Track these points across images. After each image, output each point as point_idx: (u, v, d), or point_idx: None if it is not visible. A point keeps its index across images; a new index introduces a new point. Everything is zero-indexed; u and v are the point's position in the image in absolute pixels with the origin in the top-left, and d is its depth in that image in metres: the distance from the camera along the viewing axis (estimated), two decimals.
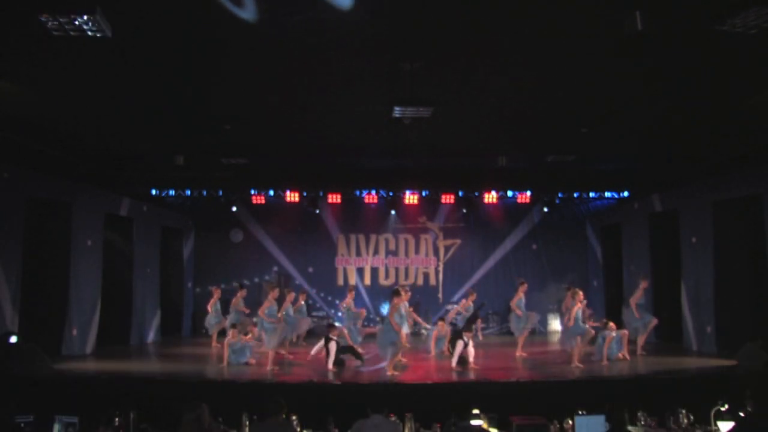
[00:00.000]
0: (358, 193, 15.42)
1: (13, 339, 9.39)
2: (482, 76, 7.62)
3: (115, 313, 13.15)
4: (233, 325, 11.48)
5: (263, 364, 10.42)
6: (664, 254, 13.65)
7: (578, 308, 10.39)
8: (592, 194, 15.65)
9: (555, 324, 14.84)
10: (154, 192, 14.69)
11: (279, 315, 10.56)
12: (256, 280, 16.55)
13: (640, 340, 11.73)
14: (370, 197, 15.52)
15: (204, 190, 15.02)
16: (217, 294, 13.21)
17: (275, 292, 10.70)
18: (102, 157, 11.65)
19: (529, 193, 15.48)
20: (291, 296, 11.84)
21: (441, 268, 17.35)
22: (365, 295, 16.96)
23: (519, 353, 11.89)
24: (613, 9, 5.60)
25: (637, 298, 11.79)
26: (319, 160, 12.61)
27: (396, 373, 9.62)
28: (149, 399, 7.59)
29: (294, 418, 6.48)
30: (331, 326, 10.99)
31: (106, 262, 12.77)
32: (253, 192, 15.20)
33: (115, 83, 7.67)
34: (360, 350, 10.97)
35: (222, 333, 12.33)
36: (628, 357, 10.93)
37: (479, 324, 12.84)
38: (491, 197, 15.29)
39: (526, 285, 12.32)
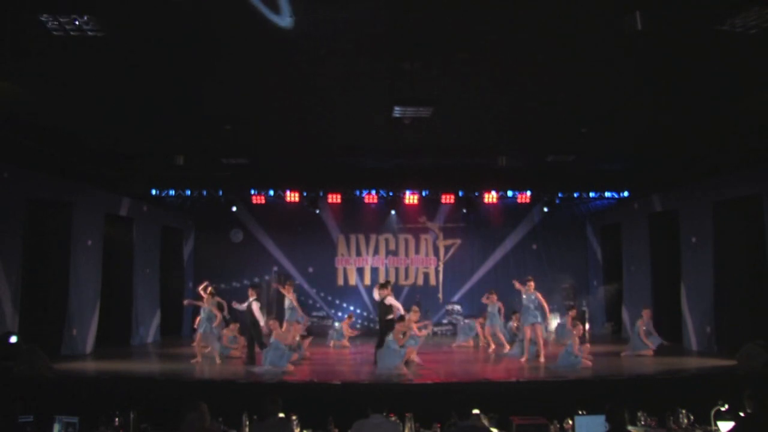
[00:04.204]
0: (358, 193, 15.43)
1: (13, 339, 9.38)
2: (482, 76, 7.63)
3: (115, 313, 13.15)
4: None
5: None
6: (664, 254, 13.65)
7: (575, 335, 10.30)
8: (592, 194, 15.66)
9: (554, 324, 14.85)
10: (154, 192, 14.69)
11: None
12: (257, 279, 16.56)
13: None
14: (370, 197, 15.53)
15: (204, 190, 15.03)
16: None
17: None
18: (102, 157, 11.65)
19: (529, 193, 15.50)
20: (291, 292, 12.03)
21: (441, 268, 17.35)
22: (365, 296, 16.96)
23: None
24: (613, 9, 5.61)
25: (643, 323, 11.78)
26: (319, 160, 12.61)
27: (409, 374, 9.65)
28: (149, 399, 7.59)
29: (294, 418, 6.48)
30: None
31: (106, 262, 12.76)
32: (253, 192, 15.21)
33: (116, 83, 7.67)
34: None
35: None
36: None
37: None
38: (491, 197, 15.30)
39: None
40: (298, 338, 11.31)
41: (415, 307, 12.05)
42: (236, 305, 11.38)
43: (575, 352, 9.99)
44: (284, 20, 5.74)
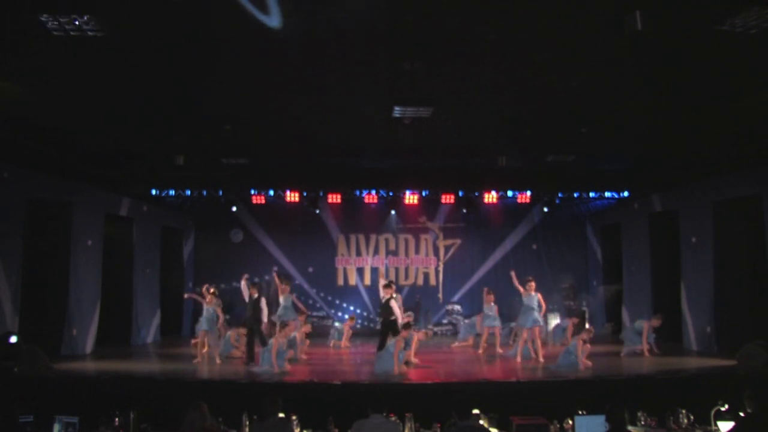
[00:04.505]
0: (358, 193, 15.43)
1: (13, 339, 9.39)
2: (482, 76, 7.62)
3: (115, 313, 13.15)
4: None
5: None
6: (664, 254, 13.65)
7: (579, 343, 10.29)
8: (592, 194, 15.66)
9: (552, 324, 14.86)
10: (154, 192, 14.70)
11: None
12: (256, 280, 16.56)
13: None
14: (370, 197, 15.52)
15: (204, 190, 15.03)
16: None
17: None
18: (102, 157, 11.65)
19: (529, 193, 15.49)
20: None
21: (441, 268, 17.34)
22: (365, 296, 16.95)
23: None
24: (613, 9, 5.61)
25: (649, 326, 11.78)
26: (319, 160, 12.61)
27: (405, 370, 9.63)
28: (149, 399, 7.60)
29: (294, 418, 6.48)
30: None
31: (106, 262, 12.76)
32: (253, 192, 15.21)
33: (116, 83, 7.67)
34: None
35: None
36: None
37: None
38: (491, 197, 15.29)
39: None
40: (295, 334, 11.37)
41: (409, 312, 12.11)
42: (244, 283, 11.50)
43: (578, 353, 10.00)
44: (273, 20, 5.73)
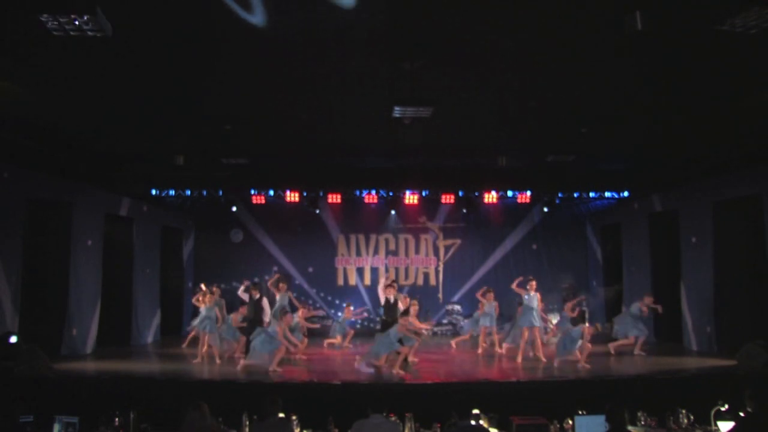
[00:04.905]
0: (358, 193, 15.43)
1: (13, 339, 9.39)
2: (482, 76, 7.63)
3: (115, 313, 13.14)
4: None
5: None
6: (664, 254, 13.65)
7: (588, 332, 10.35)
8: (592, 194, 15.66)
9: (554, 322, 14.87)
10: (154, 192, 14.69)
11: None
12: (256, 280, 16.56)
13: (638, 342, 11.77)
14: (370, 197, 15.52)
15: (204, 190, 15.03)
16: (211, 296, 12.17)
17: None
18: (102, 157, 11.65)
19: (529, 193, 15.49)
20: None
21: (441, 268, 17.34)
22: (365, 296, 16.94)
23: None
24: (613, 9, 5.61)
25: (643, 305, 11.81)
26: (319, 160, 12.61)
27: (401, 372, 9.65)
28: (149, 399, 7.60)
29: (294, 418, 6.48)
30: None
31: (106, 262, 12.76)
32: (253, 192, 15.20)
33: (116, 83, 7.67)
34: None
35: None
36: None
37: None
38: (491, 197, 15.29)
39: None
40: (297, 319, 11.42)
41: (414, 302, 12.07)
42: (241, 293, 11.48)
43: (584, 338, 10.03)
44: (256, 18, 5.72)
